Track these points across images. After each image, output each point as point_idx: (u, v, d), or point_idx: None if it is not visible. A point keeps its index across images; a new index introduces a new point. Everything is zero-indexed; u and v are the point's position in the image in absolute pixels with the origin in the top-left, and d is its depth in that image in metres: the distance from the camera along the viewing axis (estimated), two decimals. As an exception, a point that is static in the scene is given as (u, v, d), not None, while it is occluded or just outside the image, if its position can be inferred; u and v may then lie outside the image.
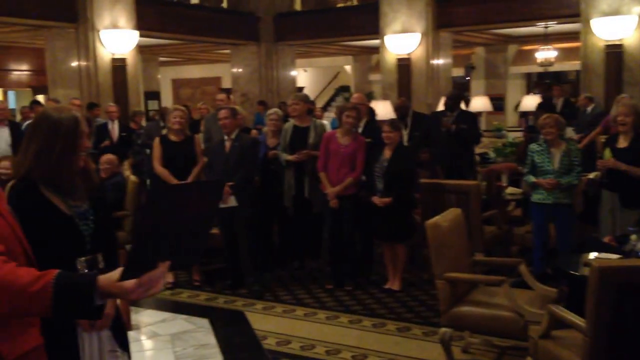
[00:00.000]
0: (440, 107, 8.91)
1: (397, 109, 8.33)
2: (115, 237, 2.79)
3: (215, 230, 6.29)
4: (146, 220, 1.86)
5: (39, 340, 1.98)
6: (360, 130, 6.21)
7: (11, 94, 18.65)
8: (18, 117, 12.82)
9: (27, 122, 9.73)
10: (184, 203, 1.86)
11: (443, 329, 4.18)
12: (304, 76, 21.80)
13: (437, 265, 4.15)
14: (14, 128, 8.22)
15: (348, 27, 14.14)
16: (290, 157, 6.17)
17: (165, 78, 21.25)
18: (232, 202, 5.69)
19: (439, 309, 4.24)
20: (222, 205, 5.74)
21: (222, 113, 5.86)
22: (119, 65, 11.44)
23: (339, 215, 5.87)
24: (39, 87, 16.50)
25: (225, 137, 5.89)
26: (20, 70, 16.48)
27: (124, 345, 2.74)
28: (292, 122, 6.42)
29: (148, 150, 7.95)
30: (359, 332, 5.00)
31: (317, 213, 6.20)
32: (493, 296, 4.17)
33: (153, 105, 17.97)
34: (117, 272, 1.80)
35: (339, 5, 16.73)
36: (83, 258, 2.53)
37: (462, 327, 4.28)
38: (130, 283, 1.76)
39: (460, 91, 10.55)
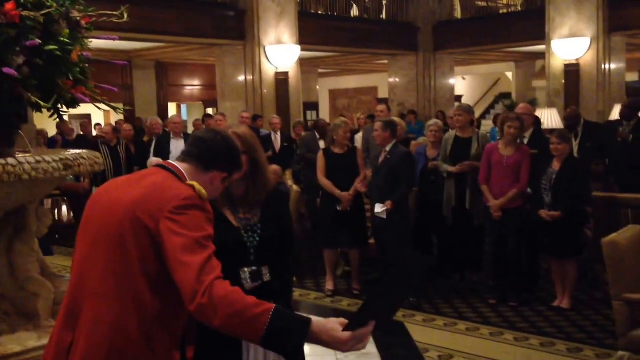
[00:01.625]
0: (615, 115, 8.32)
1: (567, 118, 7.87)
2: (286, 249, 2.83)
3: (371, 241, 6.34)
4: (392, 283, 1.93)
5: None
6: (525, 141, 5.97)
7: (184, 108, 20.12)
8: (190, 129, 13.80)
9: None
10: (407, 275, 1.95)
11: (620, 353, 3.90)
12: (462, 84, 21.39)
13: (615, 286, 3.87)
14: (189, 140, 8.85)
15: (511, 33, 13.70)
16: (451, 168, 6.06)
17: (323, 89, 21.82)
18: (380, 209, 5.69)
19: (614, 331, 3.98)
20: (378, 211, 5.77)
21: (375, 125, 5.92)
22: (282, 79, 11.94)
23: (502, 228, 5.67)
24: (209, 101, 17.64)
25: (382, 149, 5.92)
26: (193, 86, 17.70)
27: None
28: (453, 132, 6.31)
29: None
30: (525, 351, 4.79)
31: (479, 225, 6.05)
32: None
33: (312, 115, 18.50)
34: (331, 322, 1.83)
35: (502, 11, 16.24)
36: (247, 269, 2.63)
37: (643, 352, 3.94)
38: (345, 335, 1.79)
39: (639, 99, 9.78)
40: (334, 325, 1.81)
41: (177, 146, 8.55)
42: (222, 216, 2.64)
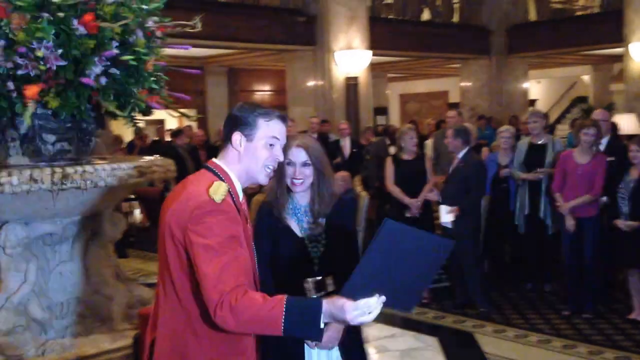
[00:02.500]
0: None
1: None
2: (351, 260, 2.82)
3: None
4: (377, 247, 1.94)
5: None
6: (602, 148, 5.75)
7: (254, 113, 20.38)
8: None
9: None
10: (413, 248, 1.97)
11: None
12: (537, 88, 20.82)
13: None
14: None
15: (588, 35, 13.25)
16: (525, 176, 5.90)
17: (393, 93, 21.68)
18: (447, 219, 5.58)
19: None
20: (442, 223, 5.67)
21: (447, 132, 5.82)
22: (351, 84, 11.93)
23: (578, 237, 5.48)
24: (278, 106, 17.77)
25: (455, 155, 5.81)
26: (263, 91, 17.95)
27: None
28: (527, 139, 6.14)
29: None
30: (600, 366, 4.61)
31: (553, 234, 5.87)
32: None
33: (381, 120, 18.40)
34: (341, 298, 1.91)
35: (578, 13, 15.74)
36: (311, 279, 2.63)
37: None
38: (350, 304, 1.88)
39: None
40: (340, 298, 1.90)
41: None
42: (286, 227, 2.65)
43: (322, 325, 1.89)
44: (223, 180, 2.11)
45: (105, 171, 3.50)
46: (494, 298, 6.04)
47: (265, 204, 2.78)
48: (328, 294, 2.65)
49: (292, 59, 12.44)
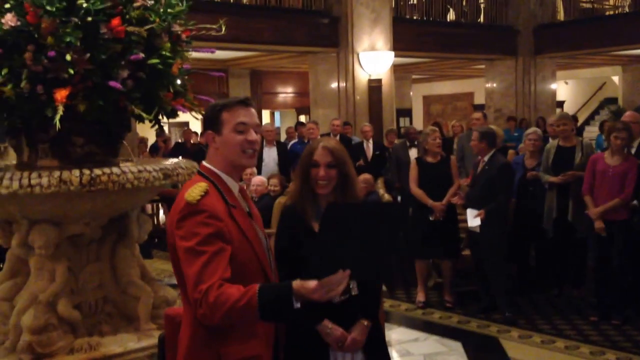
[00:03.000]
0: None
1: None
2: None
3: (466, 252, 6.20)
4: (324, 230, 2.06)
5: (257, 351, 2.23)
6: (633, 150, 5.65)
7: (277, 115, 20.48)
8: (283, 136, 14.01)
9: (292, 141, 10.58)
10: (364, 220, 2.07)
11: None
12: (565, 88, 20.59)
13: None
14: (281, 148, 8.97)
15: (618, 36, 13.05)
16: (553, 179, 5.82)
17: (416, 95, 21.58)
18: (476, 222, 5.53)
19: None
20: (470, 227, 5.62)
21: (473, 135, 5.76)
22: (375, 86, 11.90)
23: (607, 241, 5.39)
24: (301, 108, 17.86)
25: (479, 159, 5.76)
26: (286, 93, 17.99)
27: None
28: (555, 142, 6.06)
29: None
30: (629, 373, 4.53)
31: (581, 238, 5.79)
32: None
33: (404, 122, 18.34)
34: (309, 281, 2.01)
35: (608, 13, 15.51)
36: None
37: None
38: (312, 283, 1.98)
39: None
40: (308, 280, 1.99)
41: (269, 154, 8.70)
42: (311, 229, 2.66)
43: (296, 307, 1.99)
44: (209, 180, 2.21)
45: (132, 174, 3.54)
46: (519, 303, 5.97)
47: (289, 206, 2.80)
48: (352, 297, 2.66)
49: (315, 61, 12.44)
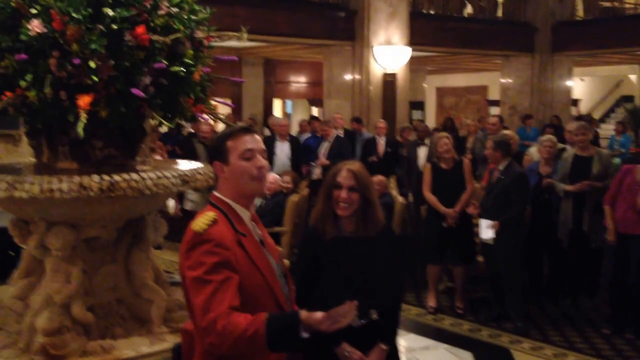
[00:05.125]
0: None
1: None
2: (398, 286, 2.81)
3: (480, 258, 6.17)
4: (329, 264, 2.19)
5: None
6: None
7: (289, 104, 20.45)
8: (294, 126, 13.92)
9: (306, 136, 10.53)
10: (356, 256, 2.28)
11: None
12: (580, 86, 20.40)
13: None
14: (294, 142, 8.92)
15: (638, 35, 12.86)
16: (569, 188, 5.77)
17: (430, 86, 21.43)
18: (488, 234, 5.49)
19: None
20: (482, 238, 5.58)
21: (487, 144, 5.70)
22: (389, 81, 11.83)
23: (623, 254, 5.35)
24: (314, 99, 17.80)
25: (494, 167, 5.71)
26: (299, 83, 17.93)
27: None
28: (572, 150, 6.00)
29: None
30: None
31: (596, 249, 5.75)
32: None
33: (417, 115, 18.24)
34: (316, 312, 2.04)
35: (629, 12, 15.31)
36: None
37: None
38: (319, 315, 2.01)
39: None
40: (315, 312, 2.03)
41: (282, 149, 8.65)
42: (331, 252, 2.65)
43: (304, 336, 2.01)
44: (219, 209, 2.22)
45: (152, 180, 3.52)
46: (532, 312, 5.93)
47: (311, 227, 2.80)
48: (371, 322, 2.65)
49: (330, 53, 12.38)
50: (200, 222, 2.13)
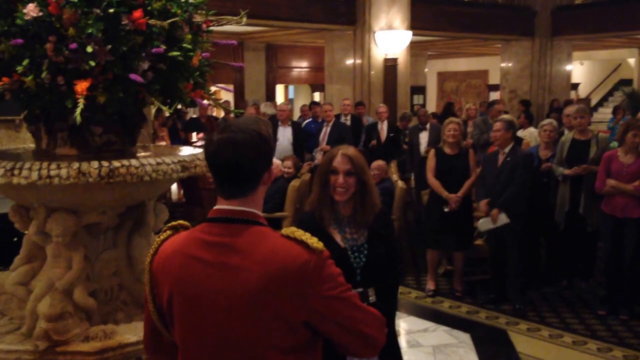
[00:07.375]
0: None
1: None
2: (393, 272, 2.83)
3: (479, 242, 6.21)
4: None
5: None
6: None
7: (291, 89, 20.40)
8: (296, 111, 13.91)
9: (306, 120, 10.54)
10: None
11: None
12: (579, 69, 20.36)
13: None
14: (296, 127, 8.94)
15: (637, 19, 12.82)
16: (567, 171, 5.79)
17: (431, 71, 21.38)
18: (503, 219, 5.51)
19: None
20: (494, 225, 5.59)
21: (497, 125, 5.70)
22: (390, 65, 11.80)
23: (619, 237, 5.39)
24: (316, 84, 17.75)
25: (499, 150, 5.72)
26: (301, 68, 17.86)
27: None
28: (570, 134, 6.02)
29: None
30: (636, 372, 4.56)
31: (592, 231, 5.79)
32: None
33: (418, 99, 18.21)
34: None
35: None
36: (353, 290, 2.65)
37: None
38: None
39: None
40: None
41: (284, 133, 8.67)
42: (329, 236, 2.66)
43: None
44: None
45: (151, 166, 3.54)
46: (529, 294, 5.99)
47: (307, 213, 2.81)
48: (370, 304, 2.67)
49: (332, 38, 12.34)
50: (313, 240, 1.81)
